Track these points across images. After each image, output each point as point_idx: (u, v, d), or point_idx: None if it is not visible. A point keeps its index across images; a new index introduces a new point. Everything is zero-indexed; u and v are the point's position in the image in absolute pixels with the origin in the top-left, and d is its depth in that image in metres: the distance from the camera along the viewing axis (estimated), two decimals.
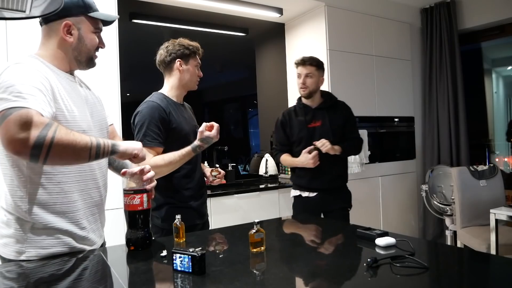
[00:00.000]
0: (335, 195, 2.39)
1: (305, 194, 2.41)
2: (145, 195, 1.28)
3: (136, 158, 1.26)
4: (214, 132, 1.73)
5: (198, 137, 1.74)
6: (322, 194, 2.37)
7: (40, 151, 1.00)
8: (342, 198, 2.44)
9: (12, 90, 1.04)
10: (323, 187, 2.36)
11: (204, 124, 1.75)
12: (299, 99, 2.49)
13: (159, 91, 1.87)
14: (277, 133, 2.53)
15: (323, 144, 2.23)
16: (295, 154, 2.41)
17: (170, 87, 1.87)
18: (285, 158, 2.47)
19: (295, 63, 2.42)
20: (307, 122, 2.40)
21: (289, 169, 3.42)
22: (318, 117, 2.40)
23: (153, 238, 1.39)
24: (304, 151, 2.30)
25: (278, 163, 2.65)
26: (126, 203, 1.27)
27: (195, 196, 1.86)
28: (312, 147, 2.28)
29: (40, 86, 1.10)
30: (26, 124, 0.99)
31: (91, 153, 1.11)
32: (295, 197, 2.48)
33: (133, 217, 1.28)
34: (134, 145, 1.26)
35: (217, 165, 2.11)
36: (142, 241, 1.29)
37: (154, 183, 1.34)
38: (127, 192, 1.27)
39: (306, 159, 2.28)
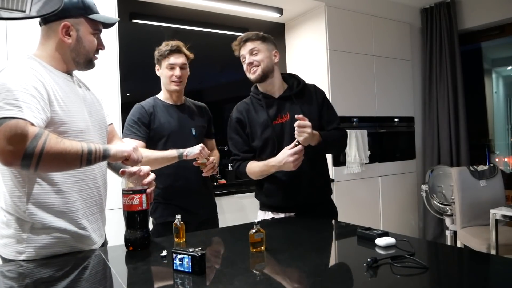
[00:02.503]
0: (319, 212, 1.79)
1: (279, 215, 1.80)
2: (143, 196, 1.28)
3: (127, 160, 1.26)
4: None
5: (188, 151, 1.82)
6: (303, 213, 1.78)
7: (30, 162, 1.02)
8: (328, 214, 1.82)
9: (5, 97, 1.05)
10: (300, 202, 1.76)
11: (204, 151, 1.81)
12: (255, 87, 1.86)
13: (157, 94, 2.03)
14: (233, 137, 1.83)
15: (301, 127, 1.56)
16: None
17: (161, 91, 2.02)
18: (252, 166, 1.75)
19: (233, 48, 1.81)
20: (271, 118, 1.76)
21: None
22: (284, 109, 1.77)
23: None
24: (287, 147, 1.63)
25: (242, 177, 1.90)
26: (125, 203, 1.27)
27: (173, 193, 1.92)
28: (295, 142, 1.61)
29: (33, 92, 1.10)
30: (16, 136, 1.00)
31: (82, 159, 1.12)
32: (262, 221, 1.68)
33: (132, 217, 1.28)
34: (124, 148, 1.25)
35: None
36: (141, 242, 1.29)
37: (153, 187, 1.33)
38: (126, 192, 1.27)
39: (284, 156, 1.60)
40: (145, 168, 1.32)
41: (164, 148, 1.87)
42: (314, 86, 1.88)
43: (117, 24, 2.39)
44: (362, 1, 3.61)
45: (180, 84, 1.94)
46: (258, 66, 1.74)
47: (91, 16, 1.26)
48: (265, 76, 1.75)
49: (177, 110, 1.98)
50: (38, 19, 1.23)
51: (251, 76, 1.77)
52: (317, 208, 1.80)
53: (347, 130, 1.88)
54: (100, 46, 1.32)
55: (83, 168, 1.25)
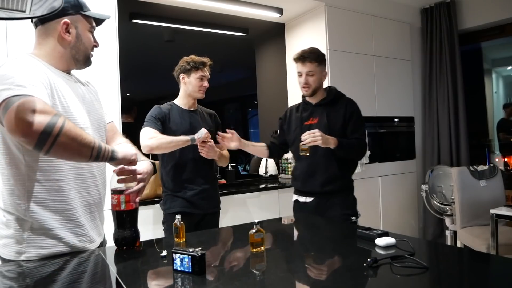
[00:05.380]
0: (333, 200, 2.09)
1: (301, 199, 2.17)
2: (132, 196, 1.28)
3: (132, 163, 1.27)
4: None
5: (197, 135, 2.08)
6: (318, 199, 2.10)
7: (47, 138, 1.00)
8: (342, 204, 2.09)
9: (13, 81, 1.04)
10: (316, 191, 2.10)
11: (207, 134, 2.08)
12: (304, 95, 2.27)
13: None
14: (279, 128, 2.37)
15: (313, 136, 1.90)
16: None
17: (179, 96, 2.26)
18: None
19: (294, 59, 2.16)
20: (303, 119, 2.18)
21: (290, 169, 3.42)
22: (316, 114, 2.15)
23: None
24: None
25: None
26: (114, 203, 1.28)
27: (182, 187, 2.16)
28: (302, 142, 1.94)
29: (38, 80, 1.10)
30: (35, 110, 0.99)
31: (92, 152, 1.12)
32: (294, 202, 2.26)
33: (120, 216, 1.28)
34: (131, 151, 1.27)
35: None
36: (130, 241, 1.30)
37: (142, 184, 1.32)
38: (114, 192, 1.27)
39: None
40: (143, 167, 1.34)
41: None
42: (349, 99, 2.20)
43: (117, 24, 2.43)
44: (362, 1, 3.61)
45: (204, 93, 2.23)
46: (310, 87, 2.11)
47: (87, 13, 1.29)
48: (313, 93, 2.14)
49: (190, 114, 2.23)
50: (33, 20, 1.24)
51: (303, 91, 2.17)
52: (332, 196, 2.10)
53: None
54: (94, 43, 1.35)
55: (83, 165, 1.26)
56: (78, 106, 1.27)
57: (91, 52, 1.35)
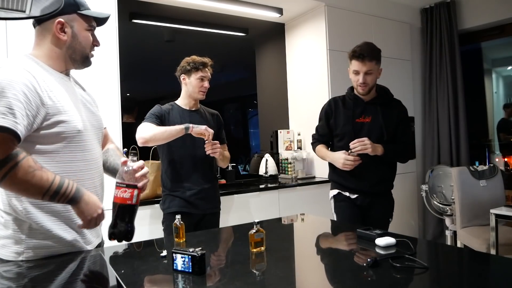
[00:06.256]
0: (377, 201, 2.13)
1: (345, 193, 2.15)
2: (135, 191, 1.24)
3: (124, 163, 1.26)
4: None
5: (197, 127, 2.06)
6: (363, 198, 2.11)
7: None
8: (385, 206, 2.18)
9: None
10: (364, 189, 2.10)
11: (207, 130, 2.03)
12: (351, 88, 2.20)
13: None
14: (320, 121, 2.26)
15: (363, 144, 1.95)
16: (336, 149, 2.16)
17: (181, 96, 2.25)
18: (320, 149, 2.22)
19: (351, 56, 2.07)
20: (355, 116, 2.10)
21: (290, 169, 3.42)
22: (369, 112, 2.09)
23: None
24: (344, 152, 2.03)
25: (314, 151, 2.32)
26: (116, 195, 1.24)
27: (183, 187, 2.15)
28: (350, 149, 1.98)
29: (21, 97, 1.08)
30: None
31: (44, 195, 1.11)
32: (334, 196, 2.19)
33: (121, 209, 1.24)
34: (98, 204, 1.23)
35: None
36: (124, 235, 1.25)
37: (146, 180, 1.29)
38: (119, 185, 1.24)
39: (339, 158, 2.03)
40: (144, 168, 1.30)
41: (175, 144, 2.10)
42: (400, 102, 2.17)
43: (117, 24, 2.43)
44: (362, 1, 3.61)
45: (205, 93, 2.21)
46: (367, 85, 2.04)
47: (84, 12, 1.26)
48: (369, 91, 2.08)
49: (191, 114, 2.21)
50: (32, 20, 1.23)
51: (359, 90, 2.08)
52: (376, 197, 2.14)
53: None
54: (95, 42, 1.32)
55: (81, 167, 1.25)
56: (77, 108, 1.26)
57: (91, 52, 1.32)
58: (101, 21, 1.34)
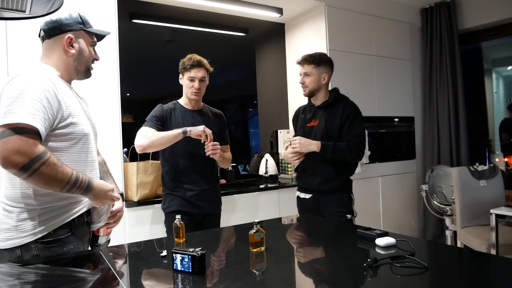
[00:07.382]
0: (329, 198, 2.21)
1: (302, 195, 2.34)
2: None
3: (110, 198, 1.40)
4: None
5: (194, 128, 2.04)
6: (315, 196, 2.26)
7: (23, 174, 1.16)
8: (337, 203, 2.21)
9: (22, 103, 1.16)
10: (314, 189, 2.25)
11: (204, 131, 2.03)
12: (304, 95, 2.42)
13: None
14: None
15: (294, 143, 2.18)
16: None
17: (182, 96, 2.24)
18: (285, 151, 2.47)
19: (297, 62, 2.34)
20: (306, 120, 2.34)
21: (290, 169, 3.42)
22: (317, 116, 2.29)
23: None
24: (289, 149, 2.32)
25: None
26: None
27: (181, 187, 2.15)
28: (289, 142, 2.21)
29: (45, 102, 1.20)
30: (22, 152, 1.14)
31: (64, 187, 1.23)
32: (296, 197, 2.42)
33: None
34: (107, 186, 1.38)
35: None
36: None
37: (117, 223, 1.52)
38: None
39: (286, 153, 2.32)
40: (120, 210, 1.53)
41: (176, 145, 2.07)
42: (348, 102, 2.29)
43: (117, 24, 2.43)
44: (362, 1, 3.61)
45: (198, 94, 2.17)
46: (306, 87, 2.27)
47: (89, 29, 1.43)
48: (311, 94, 2.29)
49: (193, 114, 2.20)
50: (40, 35, 1.38)
51: (303, 91, 2.31)
52: (328, 195, 2.22)
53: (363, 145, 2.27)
54: (95, 56, 1.48)
55: (83, 168, 1.35)
56: (79, 109, 1.38)
57: (92, 65, 1.48)
58: (100, 37, 1.51)
